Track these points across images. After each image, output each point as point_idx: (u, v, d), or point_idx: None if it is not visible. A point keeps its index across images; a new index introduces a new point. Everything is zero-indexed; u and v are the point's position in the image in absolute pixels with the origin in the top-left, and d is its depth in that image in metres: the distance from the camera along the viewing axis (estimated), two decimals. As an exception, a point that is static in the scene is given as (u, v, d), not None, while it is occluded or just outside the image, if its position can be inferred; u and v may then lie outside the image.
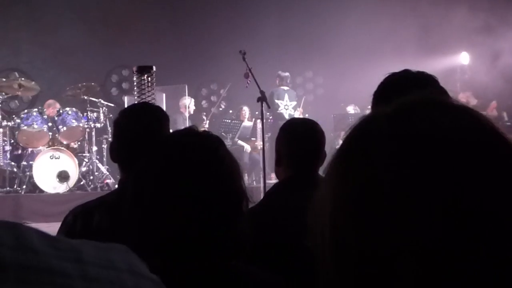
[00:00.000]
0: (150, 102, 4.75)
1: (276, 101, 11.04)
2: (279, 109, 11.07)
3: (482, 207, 0.62)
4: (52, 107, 9.57)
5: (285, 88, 11.34)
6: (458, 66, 12.35)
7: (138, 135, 2.35)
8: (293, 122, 2.84)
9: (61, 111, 9.22)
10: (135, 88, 4.95)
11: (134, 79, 4.92)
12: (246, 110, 11.22)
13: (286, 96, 11.24)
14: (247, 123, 11.13)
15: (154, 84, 4.96)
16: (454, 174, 0.63)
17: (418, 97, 0.71)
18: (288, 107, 11.20)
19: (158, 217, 1.38)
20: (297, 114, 11.21)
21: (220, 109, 12.32)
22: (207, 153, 1.41)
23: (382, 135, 0.67)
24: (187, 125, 9.99)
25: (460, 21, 11.83)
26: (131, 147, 2.37)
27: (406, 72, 1.96)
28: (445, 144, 0.65)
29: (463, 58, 12.43)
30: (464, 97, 10.93)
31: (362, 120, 0.72)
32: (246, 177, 10.71)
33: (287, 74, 11.44)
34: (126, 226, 1.46)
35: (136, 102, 5.13)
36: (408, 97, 0.71)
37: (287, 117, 10.66)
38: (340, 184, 0.70)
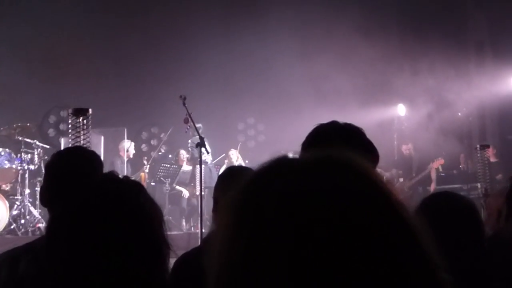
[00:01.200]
0: (84, 145, 4.64)
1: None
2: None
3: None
4: None
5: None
6: (396, 117, 12.68)
7: (69, 179, 2.31)
8: (231, 170, 2.92)
9: (-7, 152, 8.92)
10: (70, 130, 4.84)
11: (69, 121, 4.82)
12: (183, 153, 11.12)
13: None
14: (186, 168, 11.01)
15: (90, 127, 4.87)
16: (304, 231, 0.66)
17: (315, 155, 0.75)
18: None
19: (74, 263, 1.34)
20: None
21: (160, 153, 12.19)
22: (126, 199, 1.40)
23: (267, 191, 0.71)
24: (125, 169, 9.91)
25: (397, 74, 12.22)
26: (61, 191, 2.31)
27: (333, 124, 2.03)
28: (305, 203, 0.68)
29: (400, 109, 12.79)
30: (407, 149, 11.21)
31: (257, 174, 0.75)
32: (183, 223, 10.57)
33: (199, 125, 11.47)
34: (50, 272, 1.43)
35: (70, 142, 5.02)
36: (309, 155, 0.76)
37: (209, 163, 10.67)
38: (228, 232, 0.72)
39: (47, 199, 2.45)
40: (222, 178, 2.82)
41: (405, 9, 12.81)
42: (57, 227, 1.40)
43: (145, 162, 11.08)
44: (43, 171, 9.08)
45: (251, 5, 12.63)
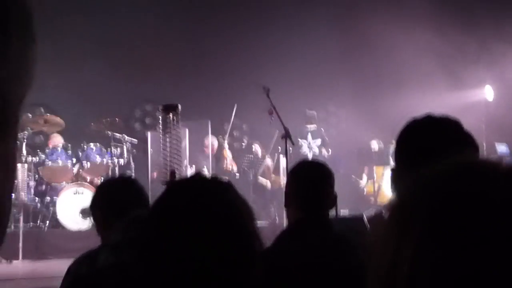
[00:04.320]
0: (174, 140, 4.77)
1: (299, 140, 10.98)
2: (302, 148, 11.02)
3: None
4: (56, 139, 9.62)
5: (310, 126, 11.27)
6: (483, 101, 12.22)
7: (120, 212, 2.50)
8: (300, 165, 2.86)
9: (85, 147, 9.26)
10: (161, 125, 4.96)
11: (160, 117, 4.94)
12: (258, 147, 11.17)
13: (309, 135, 11.18)
14: (269, 161, 11.08)
15: (180, 122, 4.97)
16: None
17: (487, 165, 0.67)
18: (312, 146, 11.14)
19: (168, 262, 1.36)
20: (323, 153, 11.15)
21: (243, 143, 12.29)
22: (214, 198, 1.41)
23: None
24: (210, 164, 10.04)
25: (483, 56, 11.79)
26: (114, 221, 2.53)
27: (428, 118, 1.92)
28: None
29: (488, 93, 12.30)
30: None
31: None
32: (272, 211, 10.63)
33: (313, 112, 11.40)
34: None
35: (161, 138, 5.13)
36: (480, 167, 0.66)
37: (310, 156, 10.61)
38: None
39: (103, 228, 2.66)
40: (294, 172, 2.79)
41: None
42: (149, 230, 1.43)
43: (226, 155, 11.10)
44: (132, 164, 9.38)
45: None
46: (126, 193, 2.69)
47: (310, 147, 11.15)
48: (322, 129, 11.73)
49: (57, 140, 9.53)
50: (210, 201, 1.40)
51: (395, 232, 0.66)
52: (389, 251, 0.66)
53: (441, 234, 0.62)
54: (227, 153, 10.94)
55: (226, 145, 11.03)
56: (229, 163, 10.84)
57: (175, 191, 1.49)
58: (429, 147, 1.78)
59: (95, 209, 2.79)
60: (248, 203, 1.48)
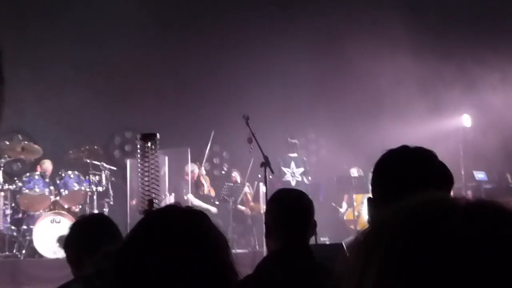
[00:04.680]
0: (152, 168, 4.77)
1: (283, 168, 11.09)
2: (286, 176, 11.10)
3: None
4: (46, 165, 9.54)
5: (292, 155, 11.38)
6: (460, 128, 12.36)
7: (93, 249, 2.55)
8: (280, 194, 2.87)
9: (63, 174, 9.19)
10: (139, 154, 4.96)
11: (138, 146, 4.94)
12: (236, 174, 11.26)
13: (293, 163, 11.27)
14: (247, 188, 11.11)
15: (158, 151, 4.97)
16: None
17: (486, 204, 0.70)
18: (295, 174, 11.22)
19: None
20: (305, 181, 11.23)
21: (223, 172, 12.29)
22: (189, 229, 1.40)
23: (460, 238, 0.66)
24: (189, 190, 10.01)
25: (459, 84, 11.96)
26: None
27: (403, 149, 1.98)
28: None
29: (465, 120, 12.44)
30: None
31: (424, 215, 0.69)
32: (251, 240, 10.61)
33: (295, 141, 11.52)
34: None
35: (139, 166, 5.12)
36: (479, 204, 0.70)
37: (293, 184, 10.66)
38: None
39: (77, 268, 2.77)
40: (274, 202, 2.79)
41: (469, 17, 12.51)
42: (122, 261, 1.41)
43: (204, 182, 11.12)
44: (111, 192, 9.31)
45: (313, 20, 12.64)
46: (97, 231, 2.76)
47: (294, 175, 11.21)
48: (304, 158, 11.80)
49: (46, 166, 9.46)
50: (184, 233, 1.39)
51: (361, 261, 0.70)
52: (355, 278, 0.70)
53: (398, 266, 0.66)
54: (204, 179, 10.96)
55: (203, 171, 11.05)
56: (207, 189, 10.85)
57: (149, 221, 1.48)
58: (404, 178, 1.85)
59: (67, 249, 2.83)
60: (223, 235, 1.46)
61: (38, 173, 9.09)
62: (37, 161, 10.57)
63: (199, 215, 1.46)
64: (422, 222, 0.68)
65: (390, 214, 0.71)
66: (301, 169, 11.33)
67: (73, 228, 2.98)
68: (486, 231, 0.65)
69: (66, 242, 2.80)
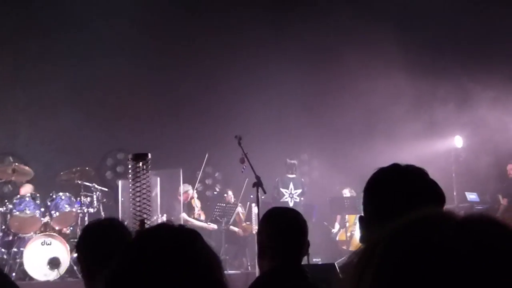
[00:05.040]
0: (144, 189, 4.74)
1: (281, 189, 11.13)
2: (284, 197, 11.11)
3: None
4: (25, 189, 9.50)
5: (291, 176, 11.41)
6: (452, 149, 12.40)
7: (103, 256, 2.41)
8: (275, 214, 2.85)
9: (54, 196, 9.13)
10: (130, 174, 4.94)
11: (130, 166, 4.92)
12: (231, 194, 11.25)
13: (291, 184, 11.29)
14: (240, 208, 11.08)
15: (149, 171, 4.95)
16: None
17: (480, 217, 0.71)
18: (293, 195, 11.24)
19: None
20: (301, 202, 11.26)
21: (215, 192, 12.26)
22: (181, 247, 1.37)
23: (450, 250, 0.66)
24: (181, 211, 9.96)
25: (452, 104, 12.02)
26: (98, 266, 2.44)
27: (394, 167, 1.98)
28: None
29: (457, 141, 12.49)
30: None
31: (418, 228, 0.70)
32: (244, 261, 10.56)
33: (294, 161, 11.56)
34: None
35: (131, 186, 5.10)
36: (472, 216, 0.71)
37: (291, 205, 10.66)
38: None
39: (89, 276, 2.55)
40: (268, 221, 2.77)
41: (461, 36, 12.60)
42: (114, 281, 1.40)
43: (196, 205, 11.09)
44: (102, 214, 9.26)
45: (306, 43, 12.73)
46: (108, 240, 2.54)
47: (292, 196, 11.23)
48: (302, 179, 11.82)
49: (26, 190, 9.41)
50: (177, 251, 1.37)
51: (355, 280, 0.71)
52: None
53: (390, 282, 0.67)
54: (196, 203, 10.93)
55: (195, 195, 11.03)
56: (197, 213, 10.82)
57: (140, 240, 1.46)
58: (395, 196, 1.86)
59: (79, 259, 2.71)
60: (215, 253, 1.44)
61: (28, 195, 9.04)
62: (28, 183, 10.53)
63: (192, 234, 1.44)
64: (413, 237, 0.68)
65: (383, 233, 0.72)
66: (299, 190, 11.35)
67: (83, 234, 2.79)
68: (479, 244, 0.65)
69: (77, 250, 2.69)
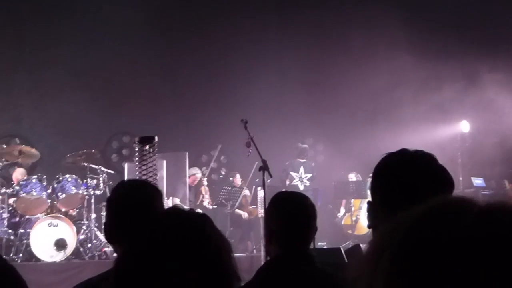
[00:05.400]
0: (151, 172, 4.73)
1: (291, 173, 11.16)
2: (294, 181, 11.15)
3: None
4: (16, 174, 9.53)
5: (302, 160, 11.45)
6: (459, 134, 12.36)
7: (131, 213, 2.30)
8: (282, 198, 2.82)
9: (60, 178, 9.17)
10: (137, 157, 4.93)
11: (136, 149, 4.91)
12: (238, 177, 11.27)
13: (302, 168, 11.32)
14: (246, 192, 11.10)
15: (156, 154, 4.94)
16: None
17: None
18: (303, 179, 11.27)
19: None
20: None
21: (220, 176, 12.29)
22: (192, 232, 1.36)
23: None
24: (187, 195, 9.96)
25: (459, 88, 11.95)
26: (125, 226, 2.33)
27: (403, 152, 1.97)
28: None
29: (463, 126, 12.45)
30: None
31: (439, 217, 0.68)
32: (249, 245, 10.59)
33: (305, 146, 11.58)
34: None
35: (137, 169, 5.10)
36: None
37: (301, 188, 10.69)
38: None
39: (113, 235, 2.42)
40: (276, 206, 2.73)
41: (467, 17, 12.49)
42: (124, 266, 1.39)
43: (205, 186, 11.13)
44: (108, 195, 9.30)
45: (310, 27, 12.66)
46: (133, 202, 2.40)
47: (302, 180, 11.25)
48: (312, 163, 11.83)
49: (16, 176, 9.44)
50: (187, 235, 1.36)
51: (370, 267, 0.70)
52: (364, 284, 0.69)
53: (405, 271, 0.66)
54: (205, 190, 10.95)
55: (205, 182, 11.03)
56: (205, 200, 10.84)
57: (150, 226, 1.45)
58: (403, 181, 1.85)
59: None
60: (225, 238, 1.43)
61: (35, 176, 9.07)
62: (34, 165, 10.57)
63: (202, 218, 1.43)
64: (433, 226, 0.67)
65: (401, 219, 0.70)
66: (310, 175, 11.39)
67: (113, 194, 2.57)
68: (501, 234, 0.64)
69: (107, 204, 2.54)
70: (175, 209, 1.51)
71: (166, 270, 1.32)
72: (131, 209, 2.34)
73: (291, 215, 2.62)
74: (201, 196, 10.87)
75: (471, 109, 12.02)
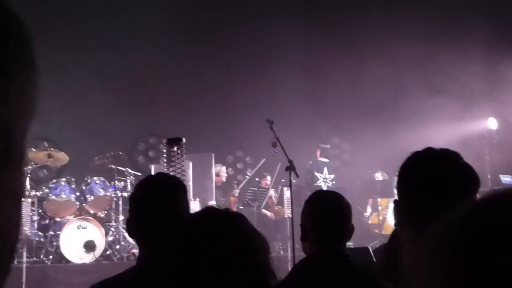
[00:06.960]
0: (179, 173, 4.76)
1: (316, 173, 11.11)
2: (318, 182, 11.11)
3: None
4: None
5: (325, 160, 11.39)
6: (486, 131, 12.22)
7: (155, 209, 2.31)
8: (318, 196, 2.83)
9: (88, 180, 9.27)
10: (165, 158, 4.97)
11: (164, 150, 4.95)
12: (269, 178, 11.25)
13: (325, 169, 11.28)
14: (272, 192, 11.10)
15: (184, 155, 4.98)
16: None
17: None
18: (327, 180, 11.22)
19: None
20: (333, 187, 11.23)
21: (247, 176, 12.30)
22: (229, 231, 1.39)
23: None
24: (213, 194, 9.99)
25: (487, 84, 11.81)
26: (148, 222, 2.34)
27: (428, 151, 1.98)
28: None
29: (491, 123, 12.30)
30: None
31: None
32: (275, 245, 10.59)
33: (327, 146, 11.52)
34: None
35: (165, 171, 5.13)
36: None
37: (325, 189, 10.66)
38: None
39: (135, 230, 2.42)
40: (312, 204, 2.75)
41: (495, 14, 12.33)
42: (160, 265, 1.41)
43: (234, 186, 11.20)
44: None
45: (334, 26, 12.63)
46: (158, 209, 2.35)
47: (326, 181, 11.22)
48: (336, 163, 11.81)
49: None
50: (224, 234, 1.39)
51: (429, 259, 0.70)
52: (423, 275, 0.70)
53: (468, 262, 0.66)
54: (235, 194, 11.01)
55: (237, 190, 11.09)
56: (232, 202, 10.88)
57: (187, 226, 1.47)
58: (429, 179, 1.87)
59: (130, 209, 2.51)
60: (263, 237, 1.46)
61: (64, 179, 9.19)
62: (62, 168, 10.69)
63: (238, 217, 1.45)
64: (491, 211, 0.67)
65: (453, 214, 0.71)
66: (333, 175, 11.35)
67: (138, 189, 2.51)
68: None
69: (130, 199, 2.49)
70: (212, 208, 1.53)
71: (205, 268, 1.33)
72: (153, 206, 2.34)
73: (324, 214, 2.63)
74: (230, 191, 10.92)
75: (499, 105, 11.88)
